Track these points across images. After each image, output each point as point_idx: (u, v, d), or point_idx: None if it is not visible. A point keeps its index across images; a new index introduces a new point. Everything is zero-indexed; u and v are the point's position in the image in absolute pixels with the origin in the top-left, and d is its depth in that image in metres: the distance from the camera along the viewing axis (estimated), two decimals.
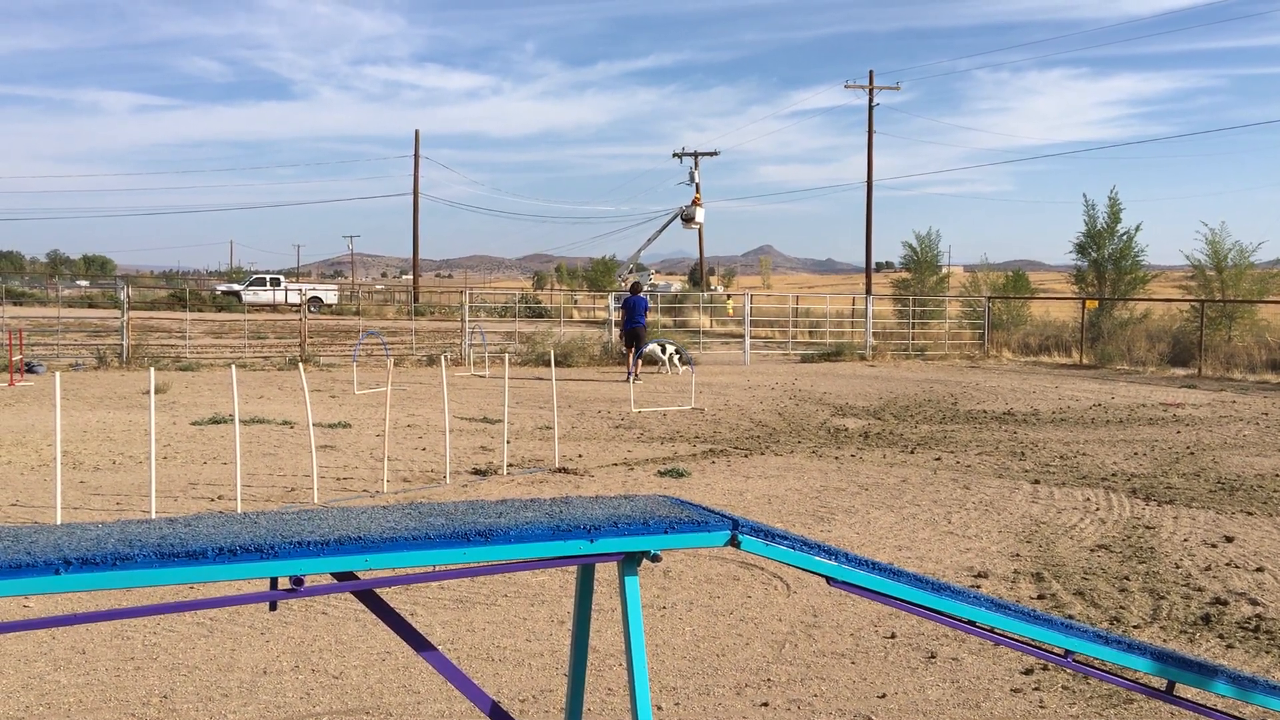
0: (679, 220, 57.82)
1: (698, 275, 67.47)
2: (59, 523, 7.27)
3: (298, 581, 2.17)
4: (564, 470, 10.11)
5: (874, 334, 28.88)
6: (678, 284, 74.64)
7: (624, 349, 20.81)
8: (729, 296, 52.77)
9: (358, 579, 2.29)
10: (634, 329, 20.51)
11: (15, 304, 46.37)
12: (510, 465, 10.25)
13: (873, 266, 45.67)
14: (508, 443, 10.71)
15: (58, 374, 7.97)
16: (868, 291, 40.49)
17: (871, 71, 44.60)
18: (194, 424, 12.98)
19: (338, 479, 9.47)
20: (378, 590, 2.44)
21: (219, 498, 8.55)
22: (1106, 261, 30.95)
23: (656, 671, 4.84)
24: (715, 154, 58.75)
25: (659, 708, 4.42)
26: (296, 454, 10.72)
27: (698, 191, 57.38)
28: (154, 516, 7.66)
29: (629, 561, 2.50)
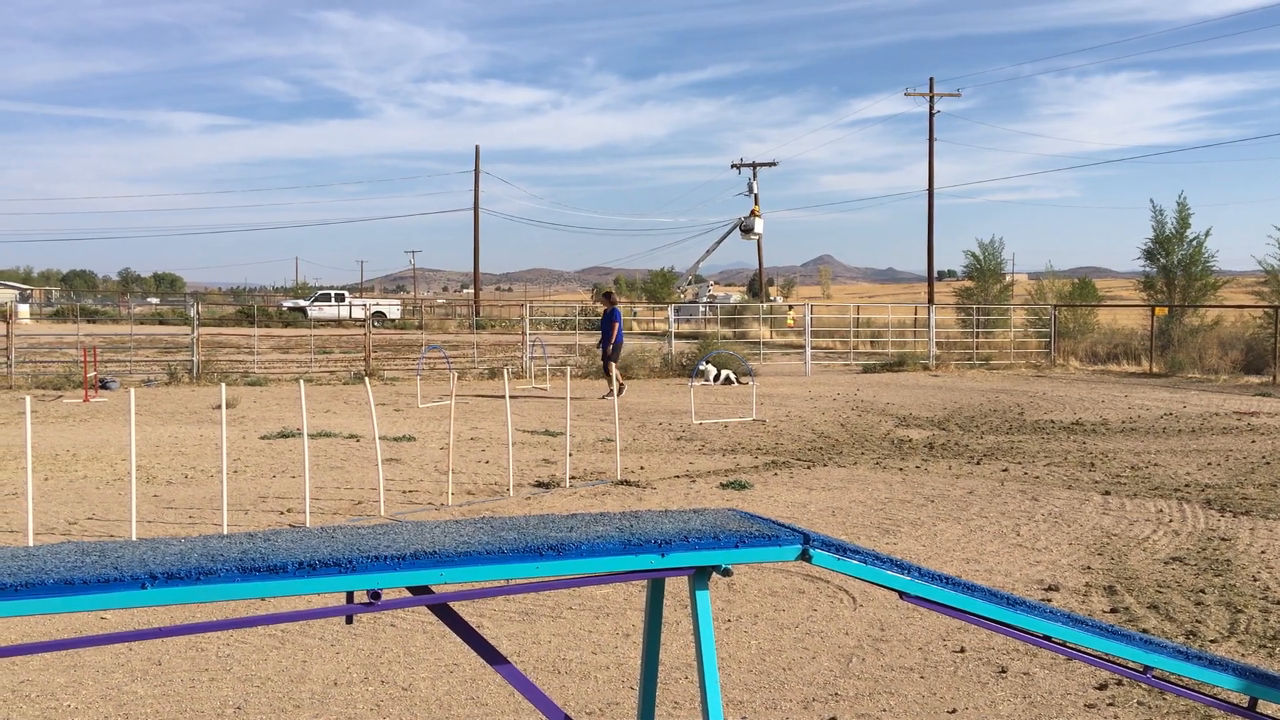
0: (738, 231, 57.77)
1: (757, 286, 67.25)
2: (134, 536, 7.44)
3: (375, 595, 2.20)
4: (626, 483, 10.12)
5: (937, 343, 28.57)
6: (737, 295, 74.46)
7: (606, 365, 19.70)
8: (789, 307, 52.54)
9: (432, 593, 2.32)
10: (620, 344, 19.61)
11: (89, 321, 47.58)
12: (573, 478, 10.29)
13: (935, 275, 45.20)
14: (570, 455, 10.75)
15: (132, 390, 8.17)
16: (930, 300, 40.06)
17: (932, 79, 44.25)
18: (263, 438, 13.21)
19: (403, 492, 9.58)
20: (451, 604, 2.46)
21: (288, 511, 8.69)
22: (1176, 268, 30.32)
23: (723, 685, 4.82)
24: (774, 164, 58.54)
25: None
26: (363, 467, 10.86)
27: (756, 202, 57.28)
28: (225, 530, 7.81)
29: (699, 576, 2.50)
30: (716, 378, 22.37)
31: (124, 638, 2.41)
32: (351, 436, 13.36)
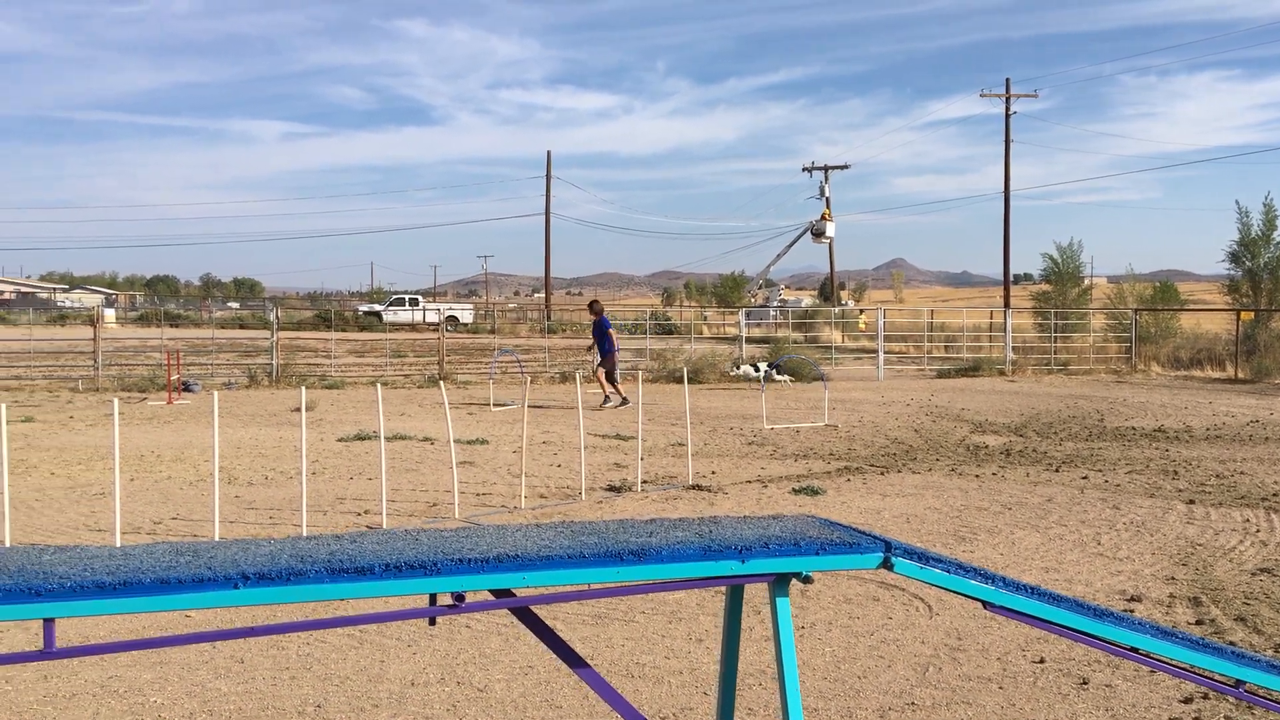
0: (809, 235, 57.45)
1: (828, 290, 66.78)
2: (217, 536, 7.62)
3: (459, 598, 2.23)
4: (697, 487, 10.11)
5: (1013, 348, 28.09)
6: (808, 299, 74.01)
7: (604, 375, 19.08)
8: (861, 311, 52.07)
9: (514, 596, 2.34)
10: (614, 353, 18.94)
11: (172, 325, 48.81)
12: (644, 482, 10.30)
13: (1011, 278, 44.46)
14: (641, 459, 10.77)
15: (216, 393, 8.35)
16: (1006, 304, 39.41)
17: (1008, 79, 43.57)
18: (340, 440, 13.43)
19: (477, 494, 9.67)
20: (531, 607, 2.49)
21: (365, 512, 8.82)
22: (1262, 270, 29.47)
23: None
24: (846, 167, 58.12)
25: None
26: (437, 470, 11.00)
27: (828, 205, 56.89)
28: (305, 531, 7.96)
29: (779, 583, 2.49)
30: (771, 375, 22.14)
31: (218, 636, 2.47)
32: (426, 439, 13.53)
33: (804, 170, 58.22)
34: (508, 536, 2.45)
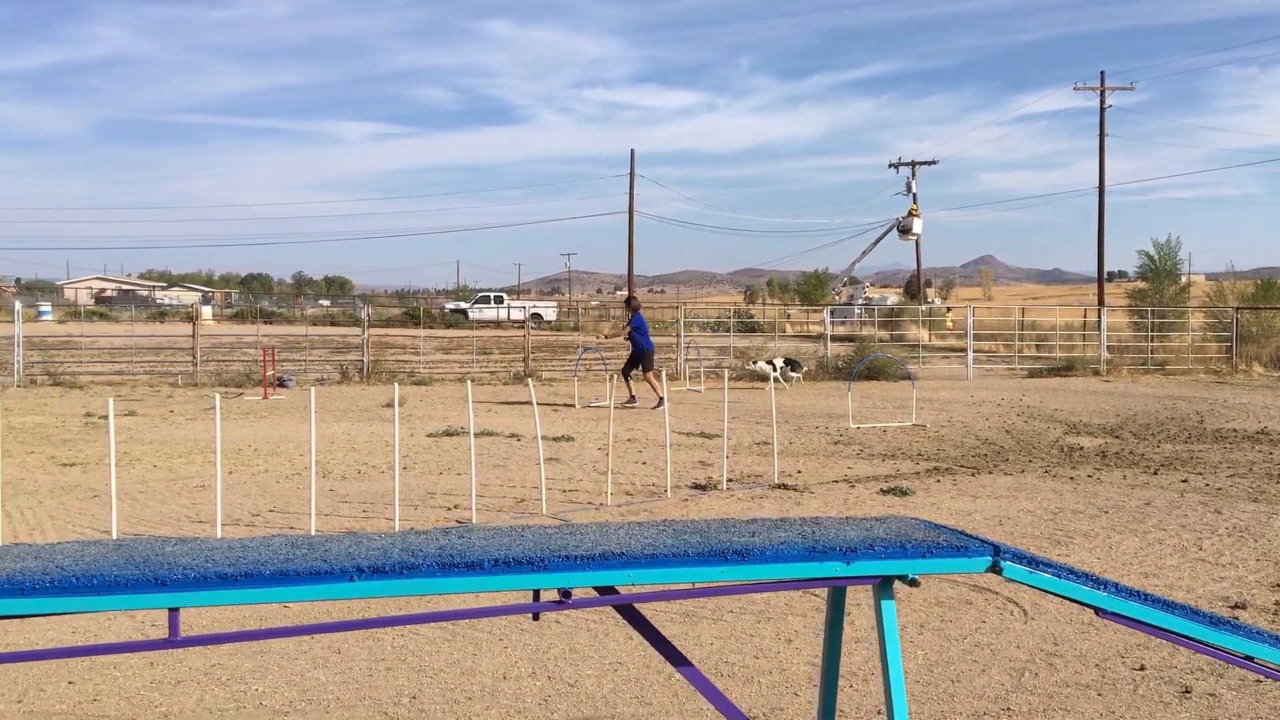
0: (895, 231, 56.71)
1: (914, 287, 65.84)
2: (313, 529, 7.79)
3: (566, 594, 2.25)
4: (784, 486, 10.05)
5: (1108, 347, 27.41)
6: (893, 297, 73.10)
7: (635, 375, 18.95)
8: (948, 309, 51.25)
9: (618, 593, 2.36)
10: (649, 351, 18.51)
11: (266, 322, 50.04)
12: (730, 480, 10.28)
13: (1105, 275, 43.39)
14: (726, 457, 10.75)
15: (313, 390, 8.55)
16: (1100, 302, 38.45)
17: (1103, 72, 42.51)
18: (429, 436, 13.64)
19: (564, 491, 9.75)
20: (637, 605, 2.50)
21: (455, 507, 8.95)
22: None
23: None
24: (933, 163, 57.24)
25: None
26: (523, 466, 11.11)
27: (915, 202, 56.11)
28: (398, 525, 8.10)
29: (884, 585, 2.47)
30: (786, 373, 21.64)
31: (350, 626, 2.54)
32: (512, 435, 13.67)
33: (890, 166, 57.51)
34: (611, 534, 2.47)
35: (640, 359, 18.30)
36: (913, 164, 56.55)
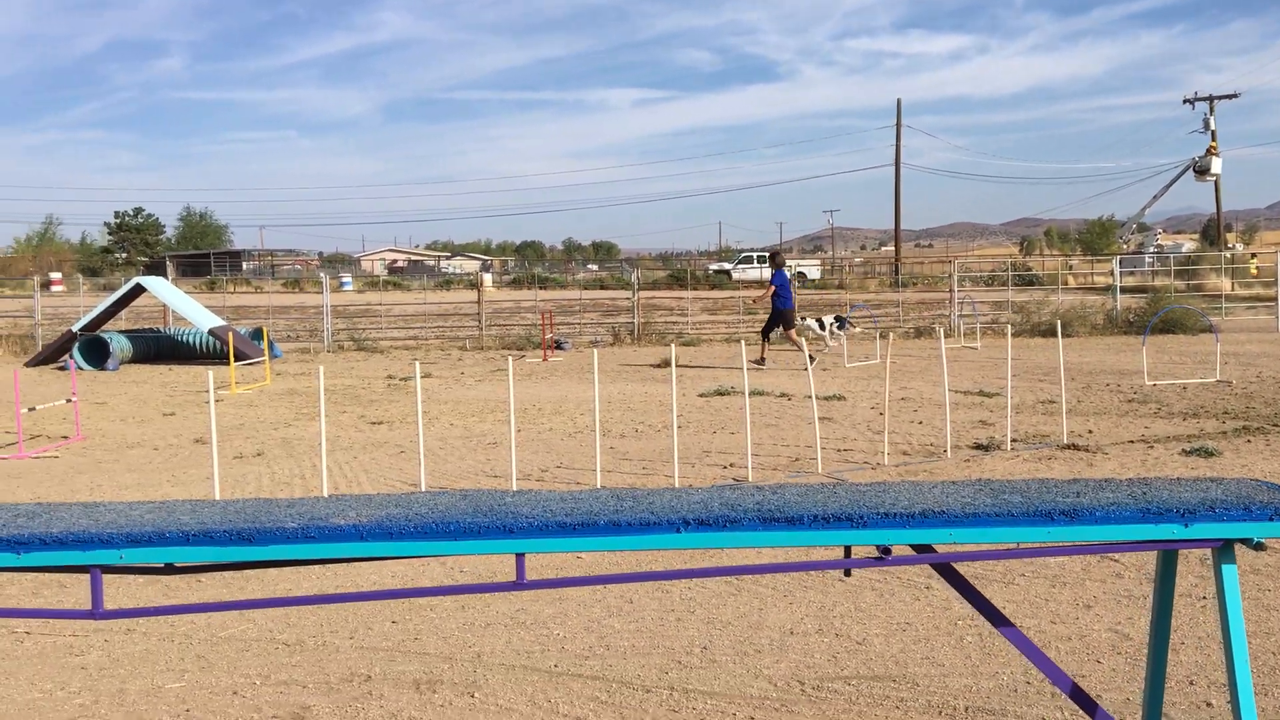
0: (1190, 172, 52.44)
1: (1214, 232, 60.69)
2: (599, 485, 8.13)
3: (885, 550, 2.26)
4: (1073, 446, 9.58)
5: None
6: (1189, 243, 67.72)
7: (775, 332, 18.14)
8: (1252, 255, 46.96)
9: (934, 551, 2.34)
10: (788, 310, 17.73)
11: (541, 288, 52.22)
12: (1014, 440, 9.90)
13: None
14: (1010, 416, 10.36)
15: (595, 352, 8.90)
16: None
17: None
18: (700, 395, 13.89)
19: (838, 450, 9.69)
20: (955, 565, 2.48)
21: (730, 465, 9.08)
22: None
23: (1201, 667, 4.47)
24: (1234, 96, 52.41)
25: (1209, 704, 4.08)
26: (796, 425, 11.12)
27: (1213, 139, 51.67)
28: (677, 482, 8.31)
29: (1225, 549, 2.33)
30: (832, 329, 19.89)
31: (683, 574, 2.64)
32: (782, 395, 13.70)
33: (1185, 102, 53.16)
34: (926, 493, 2.45)
35: (780, 317, 17.83)
36: (1210, 98, 52.01)
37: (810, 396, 9.60)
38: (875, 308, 31.85)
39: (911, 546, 2.32)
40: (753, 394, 13.62)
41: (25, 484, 8.97)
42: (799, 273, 57.89)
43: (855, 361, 18.07)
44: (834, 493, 2.48)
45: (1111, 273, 27.36)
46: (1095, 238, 64.51)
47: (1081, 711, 3.98)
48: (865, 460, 9.24)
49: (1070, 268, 53.35)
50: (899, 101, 56.26)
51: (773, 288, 17.85)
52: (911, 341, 22.85)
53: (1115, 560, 5.98)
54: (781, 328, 18.04)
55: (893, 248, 63.29)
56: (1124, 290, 27.39)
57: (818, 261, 73.22)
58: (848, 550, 2.33)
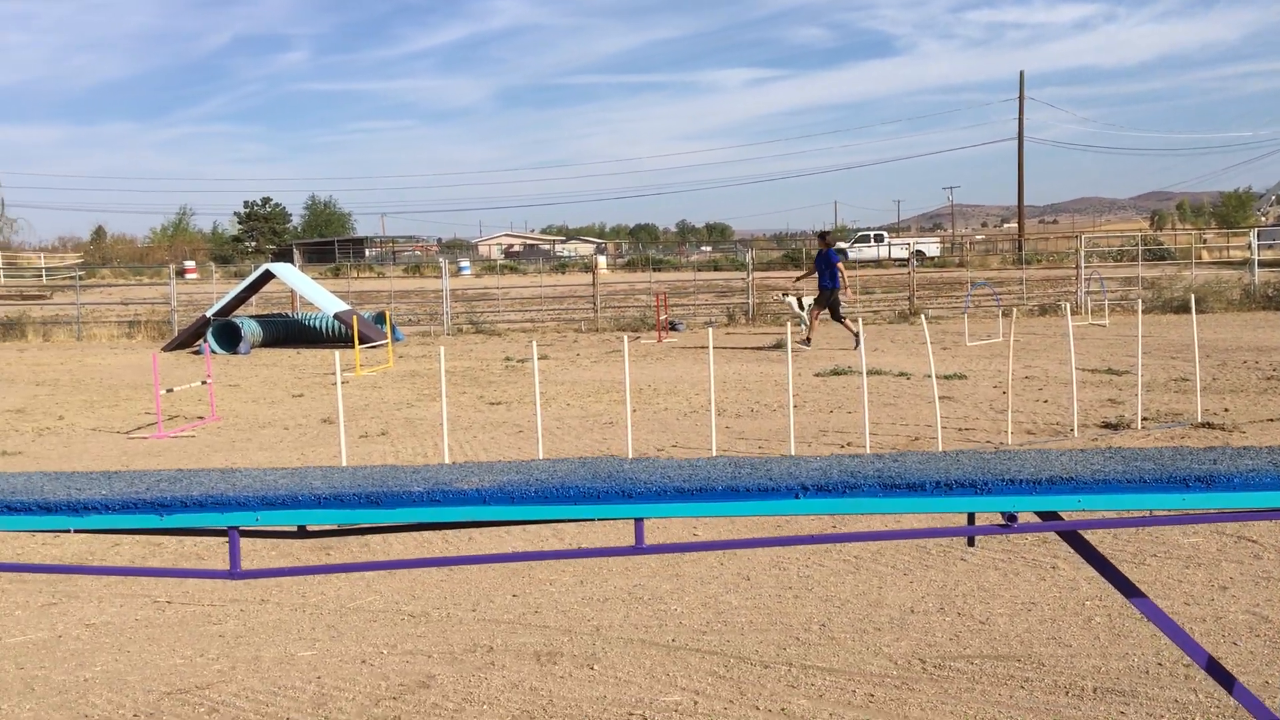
0: None
1: None
2: None
3: (1010, 518, 2.21)
4: (1208, 425, 9.21)
5: None
6: None
7: (813, 312, 17.57)
8: None
9: (1061, 519, 2.28)
10: (830, 290, 17.19)
11: (655, 270, 52.34)
12: (1144, 419, 9.56)
13: None
14: (1141, 394, 10.00)
15: (710, 332, 8.89)
16: None
17: None
18: (816, 375, 13.76)
19: (959, 429, 9.50)
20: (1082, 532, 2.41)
21: (848, 445, 8.99)
22: None
23: None
24: None
25: None
26: (915, 404, 10.94)
27: None
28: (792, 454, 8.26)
29: None
30: (802, 309, 18.74)
31: (801, 540, 2.64)
32: (901, 374, 13.49)
33: None
34: (1053, 460, 2.39)
35: (822, 296, 17.49)
36: None
37: (930, 375, 9.43)
38: (997, 285, 31.06)
39: (1037, 514, 2.26)
40: (870, 373, 13.42)
41: (164, 461, 9.40)
42: (917, 250, 56.76)
43: (976, 340, 17.67)
44: (956, 460, 2.43)
45: (1249, 246, 26.14)
46: (1231, 210, 61.74)
47: (1215, 695, 3.84)
48: (988, 439, 9.04)
49: (1204, 241, 51.16)
50: (1021, 74, 54.65)
51: (842, 267, 17.64)
52: (1035, 319, 22.22)
53: (1253, 540, 5.73)
54: (815, 304, 17.94)
55: (1015, 224, 61.55)
56: (1262, 264, 26.15)
57: (937, 239, 71.64)
58: (971, 518, 2.28)
